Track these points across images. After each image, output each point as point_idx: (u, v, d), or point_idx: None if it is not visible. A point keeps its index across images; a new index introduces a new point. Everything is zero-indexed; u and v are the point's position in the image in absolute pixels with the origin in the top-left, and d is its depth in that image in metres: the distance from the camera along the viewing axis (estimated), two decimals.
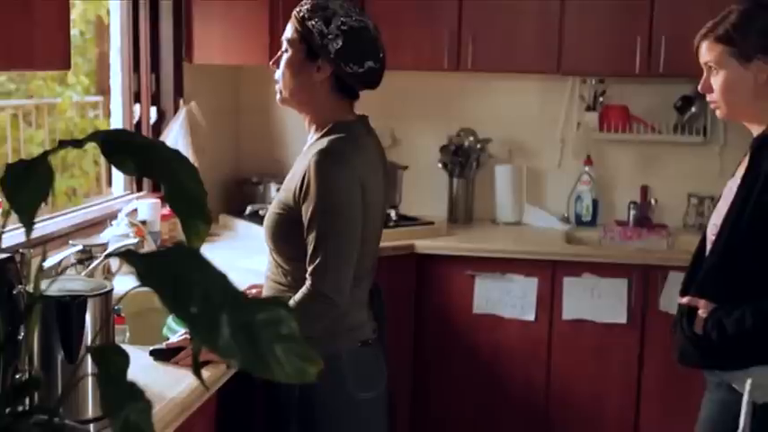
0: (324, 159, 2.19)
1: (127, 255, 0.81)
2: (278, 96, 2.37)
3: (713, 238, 2.31)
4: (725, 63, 2.27)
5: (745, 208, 2.22)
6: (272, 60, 2.37)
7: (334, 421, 2.30)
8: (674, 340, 2.38)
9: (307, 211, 2.19)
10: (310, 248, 2.19)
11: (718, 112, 2.36)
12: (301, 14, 2.29)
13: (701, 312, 2.26)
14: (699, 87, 2.36)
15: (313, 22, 2.25)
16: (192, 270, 0.81)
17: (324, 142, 2.24)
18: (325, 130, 2.30)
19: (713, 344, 2.25)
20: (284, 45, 2.33)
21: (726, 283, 2.27)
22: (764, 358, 2.23)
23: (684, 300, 2.32)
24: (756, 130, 2.32)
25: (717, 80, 2.29)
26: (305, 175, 2.20)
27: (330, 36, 2.24)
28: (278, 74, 2.35)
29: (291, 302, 2.19)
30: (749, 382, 2.18)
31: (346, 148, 2.24)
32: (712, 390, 2.36)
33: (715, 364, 2.31)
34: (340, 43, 2.24)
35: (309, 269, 2.19)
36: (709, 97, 2.35)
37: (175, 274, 0.80)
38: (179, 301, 0.79)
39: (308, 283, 2.19)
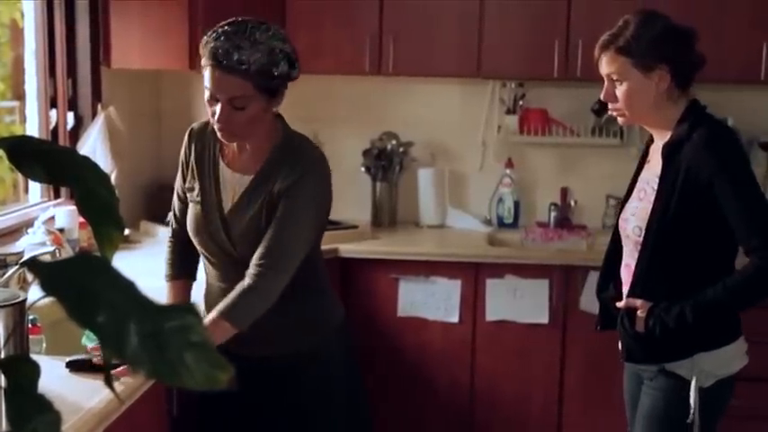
0: (316, 168, 2.33)
1: (30, 263, 0.79)
2: (234, 139, 2.33)
3: (637, 238, 2.39)
4: (627, 74, 2.34)
5: (667, 212, 2.31)
6: (218, 117, 2.22)
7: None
8: (621, 340, 2.48)
9: (288, 208, 2.27)
10: (273, 239, 2.26)
11: (620, 120, 2.45)
12: (253, 68, 2.16)
13: (640, 312, 2.36)
14: (601, 97, 2.43)
15: (275, 70, 2.21)
16: (98, 278, 0.80)
17: (307, 151, 2.36)
18: (283, 137, 2.36)
19: (657, 340, 2.35)
20: (237, 102, 2.20)
21: (660, 281, 2.36)
22: (706, 345, 2.35)
23: (622, 303, 2.41)
24: (658, 133, 2.43)
25: (620, 90, 2.37)
26: (289, 178, 2.27)
27: (293, 74, 2.28)
28: (230, 127, 2.26)
29: (249, 283, 2.25)
30: (697, 369, 2.33)
31: (322, 156, 2.39)
32: (652, 378, 2.44)
33: (662, 357, 2.40)
34: (286, 67, 2.24)
35: (263, 251, 2.25)
36: (611, 106, 2.42)
37: (80, 282, 0.79)
38: (84, 310, 0.78)
39: (260, 262, 2.25)
